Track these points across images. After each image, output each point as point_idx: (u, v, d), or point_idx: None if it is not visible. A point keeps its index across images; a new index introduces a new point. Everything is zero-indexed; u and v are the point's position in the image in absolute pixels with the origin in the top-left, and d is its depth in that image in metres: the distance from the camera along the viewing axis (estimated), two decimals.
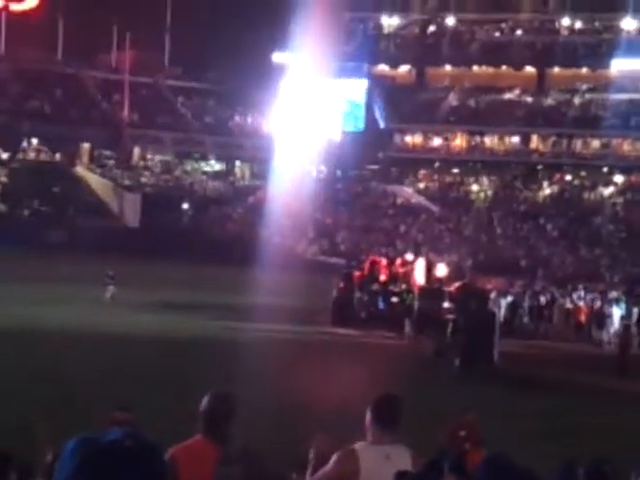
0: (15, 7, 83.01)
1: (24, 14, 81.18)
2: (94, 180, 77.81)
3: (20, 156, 78.94)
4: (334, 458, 6.46)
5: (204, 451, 5.92)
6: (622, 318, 37.96)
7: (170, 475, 5.79)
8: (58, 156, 79.73)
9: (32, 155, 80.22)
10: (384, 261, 41.19)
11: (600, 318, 38.92)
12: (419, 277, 37.84)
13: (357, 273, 39.91)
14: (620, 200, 74.97)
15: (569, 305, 41.89)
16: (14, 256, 49.97)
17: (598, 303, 40.95)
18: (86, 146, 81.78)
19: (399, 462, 6.20)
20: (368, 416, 6.56)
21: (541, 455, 8.77)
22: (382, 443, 6.45)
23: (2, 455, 8.47)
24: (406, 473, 5.93)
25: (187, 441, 6.19)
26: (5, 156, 78.30)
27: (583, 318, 39.38)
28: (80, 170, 79.06)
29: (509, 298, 41.44)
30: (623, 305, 39.99)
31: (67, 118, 77.65)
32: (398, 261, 40.60)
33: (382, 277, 38.86)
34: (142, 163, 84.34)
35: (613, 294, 43.98)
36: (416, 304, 36.32)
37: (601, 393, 26.03)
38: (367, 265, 40.64)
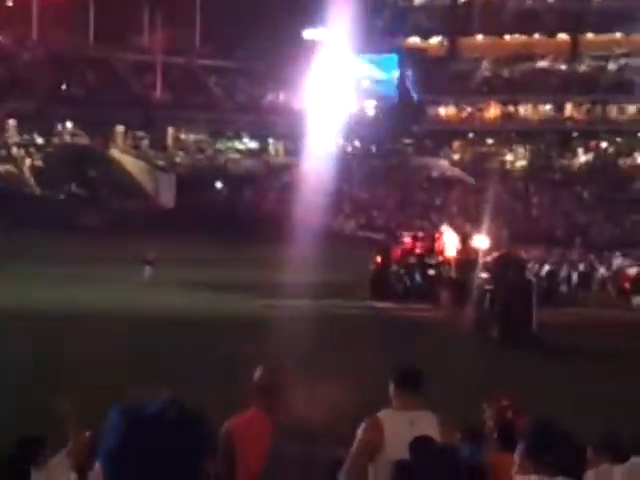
0: None
1: None
2: (128, 162, 78.20)
3: (56, 140, 79.36)
4: (360, 428, 6.55)
5: (260, 424, 5.92)
6: None
7: (222, 447, 5.87)
8: (92, 139, 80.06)
9: (67, 139, 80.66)
10: (421, 234, 41.30)
11: (638, 284, 38.68)
12: (450, 249, 37.79)
13: (394, 247, 40.03)
14: None
15: (607, 272, 41.69)
16: (50, 239, 50.15)
17: (635, 269, 40.71)
18: (120, 128, 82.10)
19: (424, 427, 6.24)
20: (391, 386, 6.68)
21: (584, 425, 8.73)
22: (407, 409, 6.52)
23: (37, 438, 8.68)
24: (426, 439, 5.89)
25: (242, 414, 6.23)
26: (40, 141, 78.73)
27: (627, 285, 39.13)
28: (114, 152, 79.52)
29: (547, 267, 41.32)
30: None
31: (100, 101, 77.85)
32: (436, 234, 40.61)
33: (419, 250, 38.89)
34: (176, 143, 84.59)
35: None
36: (453, 276, 36.35)
37: None
38: (404, 239, 40.77)
